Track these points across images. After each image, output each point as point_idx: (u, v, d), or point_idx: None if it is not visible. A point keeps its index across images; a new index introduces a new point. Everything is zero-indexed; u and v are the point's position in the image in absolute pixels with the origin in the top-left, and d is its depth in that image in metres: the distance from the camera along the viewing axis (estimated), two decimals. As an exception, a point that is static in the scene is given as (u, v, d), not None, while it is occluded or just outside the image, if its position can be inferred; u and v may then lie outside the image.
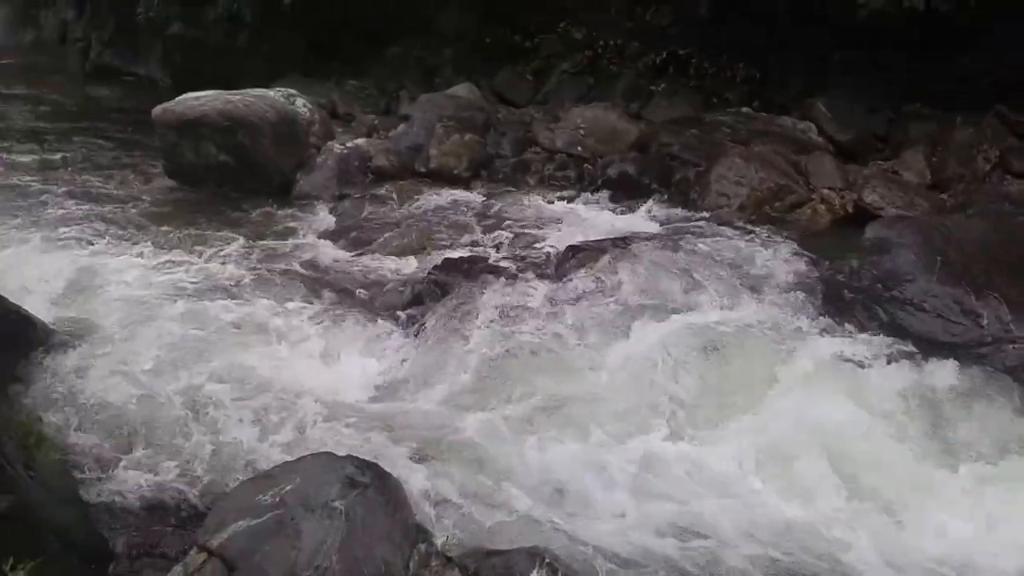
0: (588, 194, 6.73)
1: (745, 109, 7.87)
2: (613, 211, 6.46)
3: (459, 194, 6.87)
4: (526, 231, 6.16)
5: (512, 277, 5.17)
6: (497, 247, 5.90)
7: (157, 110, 7.08)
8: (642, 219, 6.29)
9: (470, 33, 9.27)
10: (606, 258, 5.27)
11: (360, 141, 7.57)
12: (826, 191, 6.34)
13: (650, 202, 6.45)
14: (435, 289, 5.22)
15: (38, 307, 4.46)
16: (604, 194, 6.69)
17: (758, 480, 3.49)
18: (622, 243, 5.52)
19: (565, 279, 5.17)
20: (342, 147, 7.32)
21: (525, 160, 7.28)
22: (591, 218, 6.35)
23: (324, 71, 9.47)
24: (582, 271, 5.20)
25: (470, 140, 7.29)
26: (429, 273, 5.35)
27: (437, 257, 5.72)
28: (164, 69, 11.33)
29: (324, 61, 9.60)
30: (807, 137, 7.22)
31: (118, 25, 11.62)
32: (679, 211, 6.33)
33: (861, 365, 4.05)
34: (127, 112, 9.88)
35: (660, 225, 6.08)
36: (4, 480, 2.63)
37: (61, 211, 6.38)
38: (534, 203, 6.63)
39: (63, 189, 6.88)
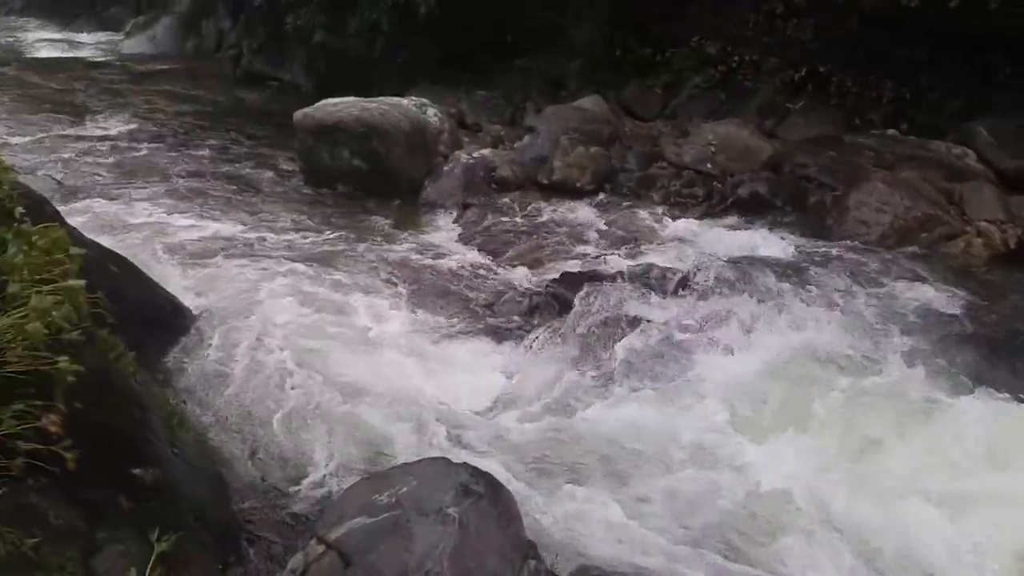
0: (716, 213, 6.54)
1: (891, 131, 7.41)
2: (742, 232, 6.23)
3: (581, 207, 6.85)
4: (649, 247, 6.06)
5: (632, 293, 5.08)
6: (618, 262, 5.82)
7: (298, 115, 7.46)
8: (772, 242, 6.03)
9: (599, 46, 9.24)
10: (731, 281, 5.11)
11: (486, 151, 7.69)
12: (984, 224, 5.84)
13: (782, 225, 6.19)
14: (553, 302, 5.21)
15: (183, 293, 4.79)
16: (733, 214, 6.48)
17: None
18: (749, 266, 5.32)
19: (687, 299, 5.05)
20: (468, 156, 7.46)
21: (651, 175, 7.15)
22: (718, 238, 6.15)
23: (454, 81, 9.69)
24: (706, 292, 5.07)
25: (595, 153, 7.25)
26: (548, 286, 5.35)
27: (557, 269, 5.73)
28: (307, 75, 11.99)
29: (455, 71, 9.84)
30: (963, 163, 6.68)
31: (268, 34, 12.40)
32: (813, 236, 6.04)
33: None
34: (270, 115, 10.51)
35: (792, 250, 5.81)
36: (152, 455, 2.80)
37: (206, 202, 6.89)
38: (658, 219, 6.50)
39: (208, 182, 7.45)
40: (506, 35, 9.62)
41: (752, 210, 6.47)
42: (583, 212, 6.74)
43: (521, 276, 5.77)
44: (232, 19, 14.90)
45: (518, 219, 6.68)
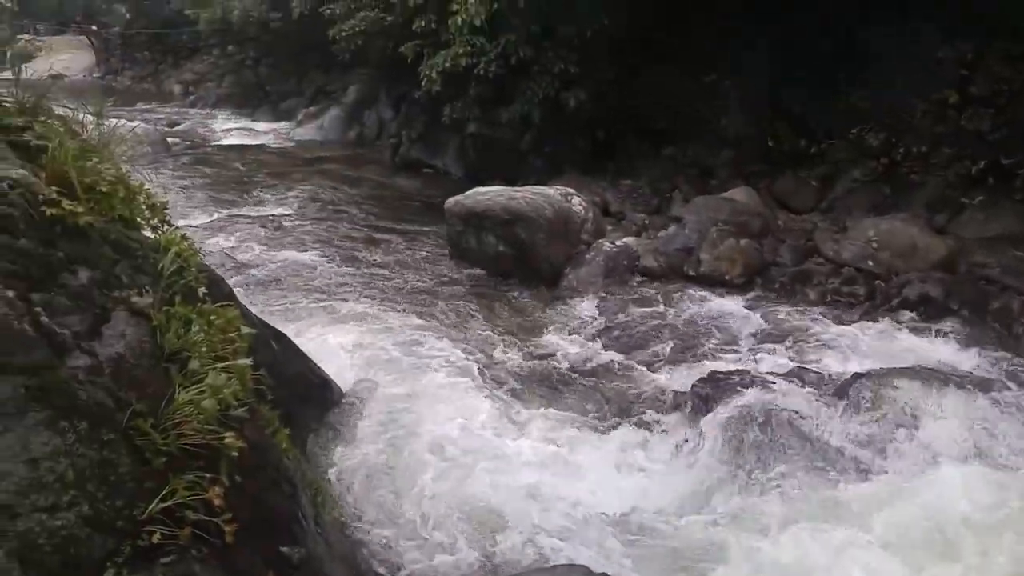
0: (879, 315, 6.05)
1: (1088, 229, 6.65)
2: (910, 337, 5.70)
3: (730, 302, 6.57)
4: (804, 348, 5.68)
5: (785, 398, 4.73)
6: (771, 363, 5.47)
7: (449, 202, 7.78)
8: (946, 351, 5.48)
9: (751, 136, 9.08)
10: (900, 392, 4.64)
11: (629, 240, 7.64)
12: None
13: (958, 332, 5.61)
14: (700, 403, 4.94)
15: (332, 368, 4.95)
16: (899, 316, 5.97)
17: None
18: (921, 377, 4.82)
19: (849, 408, 4.62)
20: (611, 245, 7.43)
21: (806, 271, 6.79)
22: (882, 342, 5.66)
23: (600, 169, 9.82)
24: (870, 402, 4.62)
25: (745, 245, 7.00)
26: (694, 385, 5.09)
27: (703, 367, 5.46)
28: (458, 163, 12.61)
29: (601, 160, 9.99)
30: None
31: (425, 124, 13.24)
32: (995, 347, 5.42)
33: None
34: (423, 200, 11.06)
35: (972, 361, 5.23)
36: (300, 533, 2.83)
37: (357, 277, 7.26)
38: (814, 318, 6.11)
39: (362, 263, 7.85)
40: (654, 125, 9.67)
41: (922, 313, 5.94)
42: (732, 307, 6.46)
43: (664, 372, 5.55)
44: (393, 110, 16.08)
45: (662, 311, 6.49)
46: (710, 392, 4.94)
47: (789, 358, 5.50)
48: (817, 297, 6.49)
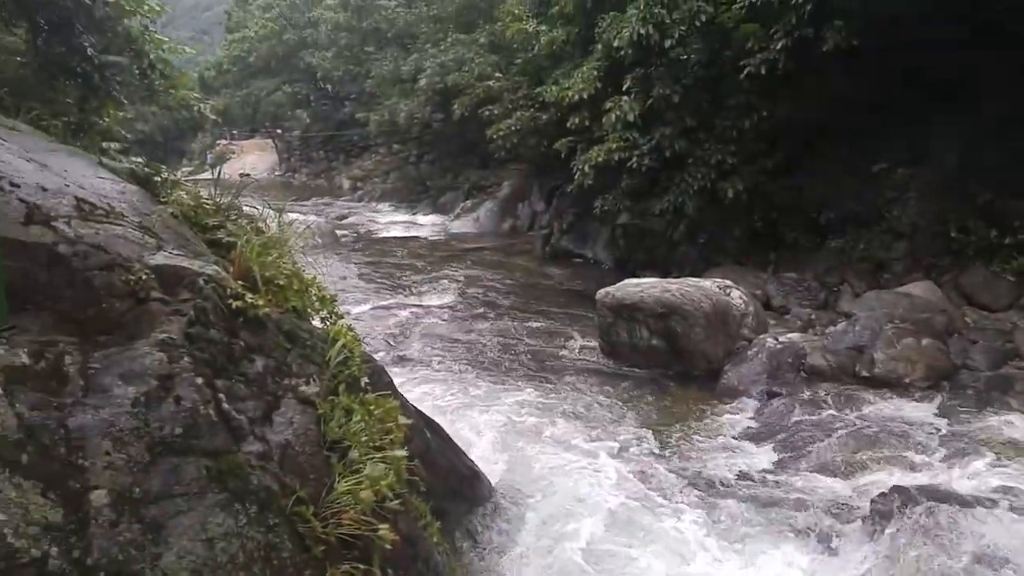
0: (1103, 430, 5.21)
1: None
2: None
3: (911, 407, 5.93)
4: (1007, 464, 4.95)
5: (984, 523, 4.09)
6: (965, 479, 4.81)
7: (600, 293, 7.71)
8: None
9: (930, 225, 8.39)
10: None
11: (794, 336, 7.16)
12: None
13: None
14: (880, 521, 4.39)
15: (482, 462, 4.89)
16: None
17: None
18: None
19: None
20: (775, 341, 6.99)
21: (1005, 376, 6.04)
22: (1109, 463, 4.84)
23: (760, 261, 9.44)
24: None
25: (928, 346, 6.35)
26: (874, 500, 4.54)
27: (881, 479, 4.89)
28: (608, 253, 12.65)
29: (761, 251, 9.60)
30: None
31: (576, 215, 13.48)
32: None
33: None
34: (573, 289, 11.11)
35: None
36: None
37: (507, 367, 7.28)
38: (1020, 430, 5.34)
39: (512, 353, 7.88)
40: (817, 215, 9.22)
41: None
42: (914, 413, 5.82)
43: (836, 483, 5.02)
44: (545, 203, 16.57)
45: (833, 416, 5.95)
46: (893, 509, 4.38)
47: (988, 474, 4.81)
48: (1020, 405, 5.71)
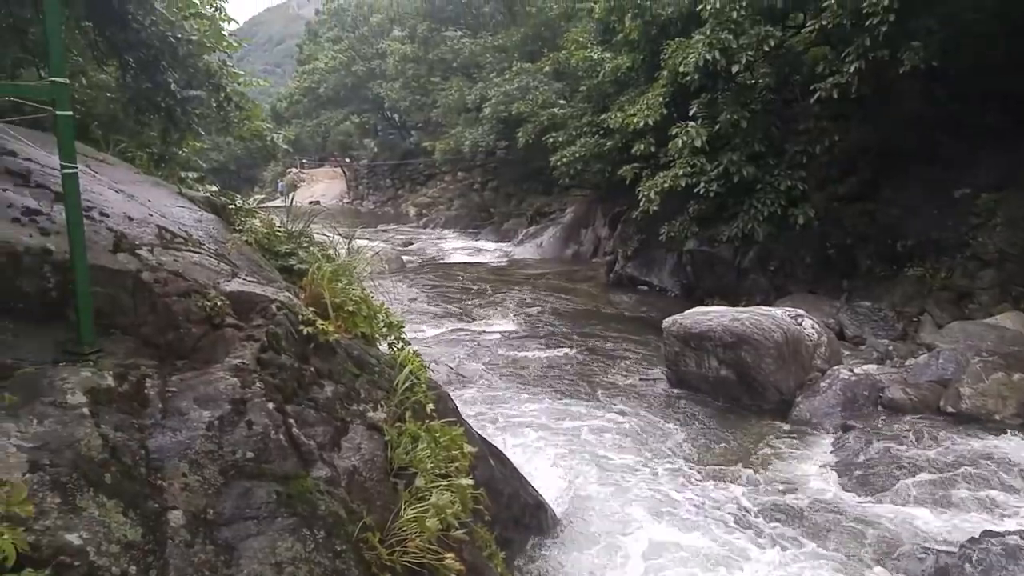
0: None
1: None
2: None
3: (1001, 444, 5.59)
4: (1113, 511, 4.59)
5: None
6: (1063, 525, 4.48)
7: (667, 321, 7.56)
8: None
9: (1020, 254, 7.94)
10: None
11: (871, 368, 6.86)
12: None
13: None
14: (967, 567, 4.12)
15: (544, 489, 4.81)
16: None
17: None
18: None
19: None
20: (850, 372, 6.71)
21: (1108, 414, 5.63)
22: None
23: (832, 289, 9.12)
24: None
25: (1020, 381, 5.98)
26: (963, 546, 4.27)
27: (971, 521, 4.61)
28: (674, 280, 12.46)
29: (833, 279, 9.29)
30: None
31: (641, 242, 13.34)
32: None
33: None
34: (638, 317, 10.95)
35: None
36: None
37: (572, 395, 7.18)
38: None
39: (576, 373, 7.81)
40: (894, 242, 8.87)
41: None
42: (1006, 452, 5.46)
43: (920, 522, 4.75)
44: (609, 229, 16.48)
45: (914, 451, 5.64)
46: (982, 554, 4.11)
47: (1092, 521, 4.46)
48: (1124, 447, 5.31)
